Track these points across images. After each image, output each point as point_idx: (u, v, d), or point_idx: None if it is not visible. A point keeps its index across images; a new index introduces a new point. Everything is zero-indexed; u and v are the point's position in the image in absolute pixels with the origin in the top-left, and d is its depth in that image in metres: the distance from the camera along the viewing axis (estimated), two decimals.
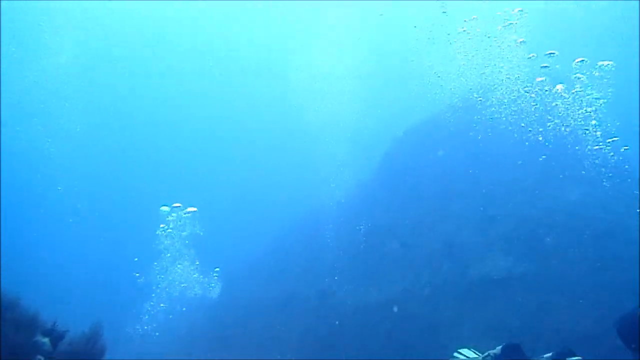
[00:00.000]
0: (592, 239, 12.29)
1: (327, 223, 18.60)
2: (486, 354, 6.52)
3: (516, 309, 12.37)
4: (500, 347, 6.43)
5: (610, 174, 13.10)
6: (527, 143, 15.43)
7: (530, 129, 15.08)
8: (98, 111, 36.30)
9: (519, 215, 14.17)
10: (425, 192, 16.65)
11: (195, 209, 17.67)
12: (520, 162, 15.30)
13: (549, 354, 6.52)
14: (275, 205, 30.65)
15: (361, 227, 16.85)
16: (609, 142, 12.74)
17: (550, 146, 14.53)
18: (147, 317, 18.34)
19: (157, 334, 18.16)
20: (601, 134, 13.21)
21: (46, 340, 4.02)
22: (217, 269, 19.38)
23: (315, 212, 20.56)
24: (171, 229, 17.75)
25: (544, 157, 15.08)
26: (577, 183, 13.89)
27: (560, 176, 14.61)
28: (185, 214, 17.61)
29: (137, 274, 18.67)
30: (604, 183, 13.24)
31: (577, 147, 14.66)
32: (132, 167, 39.73)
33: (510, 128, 16.60)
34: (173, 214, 17.56)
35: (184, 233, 17.85)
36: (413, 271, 14.39)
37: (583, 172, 13.42)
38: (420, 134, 19.58)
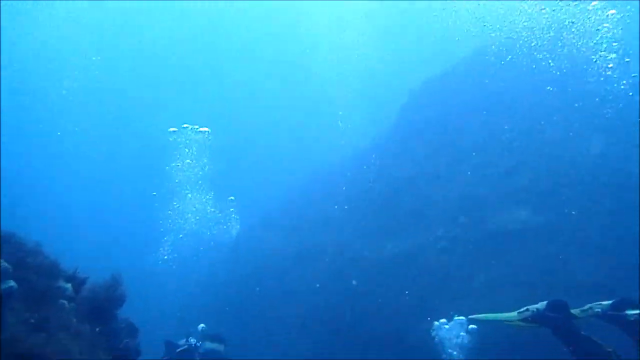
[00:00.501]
0: (611, 190, 12.11)
1: (342, 176, 18.59)
2: (524, 308, 6.44)
3: (532, 260, 12.39)
4: (544, 302, 6.33)
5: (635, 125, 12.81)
6: (549, 88, 15.13)
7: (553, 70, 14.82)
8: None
9: (537, 168, 13.99)
10: (442, 145, 16.45)
11: (207, 129, 17.56)
12: (541, 111, 15.00)
13: (608, 302, 6.51)
14: (290, 159, 30.64)
15: (377, 180, 16.81)
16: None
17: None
18: (166, 247, 18.67)
19: (174, 266, 18.55)
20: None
21: (68, 285, 4.11)
22: (232, 198, 19.46)
23: (331, 165, 20.54)
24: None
25: (550, 88, 14.85)
26: (601, 133, 13.57)
27: (582, 127, 14.31)
28: (196, 133, 17.48)
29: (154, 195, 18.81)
30: (627, 134, 12.98)
31: (597, 99, 14.37)
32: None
33: (531, 77, 16.26)
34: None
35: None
36: (428, 225, 14.39)
37: (605, 121, 13.16)
38: (438, 86, 19.20)
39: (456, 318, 11.08)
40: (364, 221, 15.64)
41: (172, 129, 18.04)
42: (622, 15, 14.13)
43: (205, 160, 19.09)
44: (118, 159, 37.37)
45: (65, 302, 4.00)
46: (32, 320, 3.65)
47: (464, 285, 12.81)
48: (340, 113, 27.26)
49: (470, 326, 11.19)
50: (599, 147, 13.42)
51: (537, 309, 6.39)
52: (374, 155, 18.37)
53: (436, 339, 11.23)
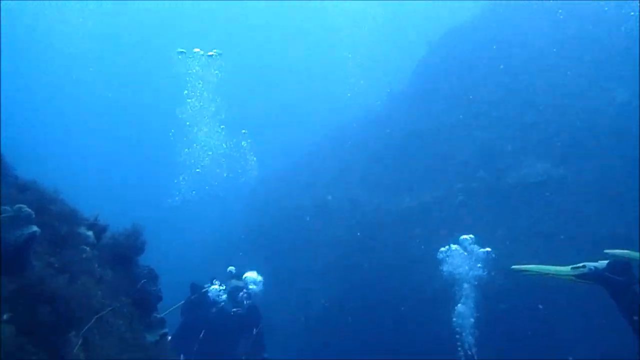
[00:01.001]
0: (634, 140, 11.83)
1: (360, 130, 18.47)
2: (581, 264, 6.13)
3: (551, 213, 12.30)
4: (604, 262, 6.06)
5: None
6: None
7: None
8: None
9: (559, 120, 13.70)
10: (461, 99, 16.15)
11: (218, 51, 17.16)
12: (564, 62, 14.57)
13: (604, 262, 6.31)
14: (308, 115, 30.44)
15: (395, 135, 16.66)
16: None
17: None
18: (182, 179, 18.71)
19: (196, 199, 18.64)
20: None
21: (90, 233, 4.19)
22: (244, 131, 19.30)
23: (348, 120, 20.36)
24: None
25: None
26: (626, 84, 13.15)
27: (606, 78, 13.89)
28: (207, 56, 17.10)
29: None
30: None
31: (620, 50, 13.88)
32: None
33: (554, 28, 15.72)
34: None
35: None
36: (447, 178, 14.29)
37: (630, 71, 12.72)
38: (457, 38, 18.69)
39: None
40: (383, 176, 15.60)
41: (180, 50, 17.47)
42: None
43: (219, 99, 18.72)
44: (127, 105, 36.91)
45: (87, 248, 4.09)
46: (56, 265, 3.75)
47: (483, 239, 12.80)
48: (359, 68, 26.88)
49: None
50: (624, 96, 13.04)
51: (596, 267, 6.06)
52: (392, 109, 18.18)
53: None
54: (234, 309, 8.51)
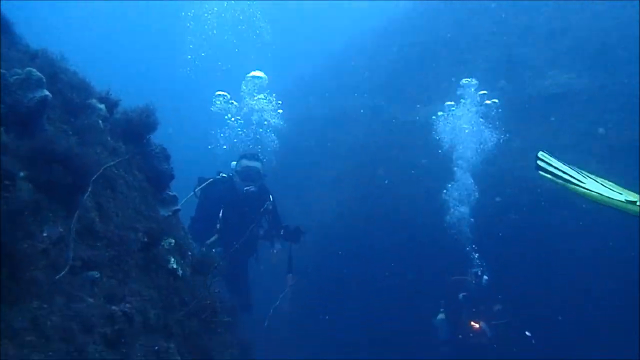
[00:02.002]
0: None
1: (379, 39, 17.92)
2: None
3: (571, 125, 12.08)
4: None
5: None
6: None
7: None
8: None
9: (585, 28, 13.11)
10: (482, 7, 15.47)
11: None
12: None
13: None
14: (327, 21, 29.47)
15: (412, 44, 16.17)
16: None
17: None
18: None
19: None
20: None
21: (102, 106, 4.21)
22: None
23: (367, 29, 19.71)
24: None
25: None
26: None
27: None
28: None
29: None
30: None
31: None
32: None
33: None
34: None
35: None
36: (464, 88, 13.97)
37: None
38: None
39: None
40: (398, 85, 15.30)
41: None
42: None
43: None
44: None
45: (100, 120, 4.12)
46: (70, 132, 3.80)
47: (498, 149, 12.72)
48: None
49: None
50: None
51: None
52: (412, 18, 17.50)
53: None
54: (247, 187, 8.51)
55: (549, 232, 11.21)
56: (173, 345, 4.12)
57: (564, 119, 12.20)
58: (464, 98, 13.16)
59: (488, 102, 12.92)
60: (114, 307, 3.45)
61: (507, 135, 12.47)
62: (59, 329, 2.96)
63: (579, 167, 10.70)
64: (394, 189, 13.13)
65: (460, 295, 10.25)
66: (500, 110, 12.77)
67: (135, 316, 3.58)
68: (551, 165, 7.02)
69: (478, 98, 13.05)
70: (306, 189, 14.87)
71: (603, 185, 6.53)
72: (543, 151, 7.07)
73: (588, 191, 6.29)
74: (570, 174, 6.81)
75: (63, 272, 2.94)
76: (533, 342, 9.83)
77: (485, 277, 10.14)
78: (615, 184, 6.77)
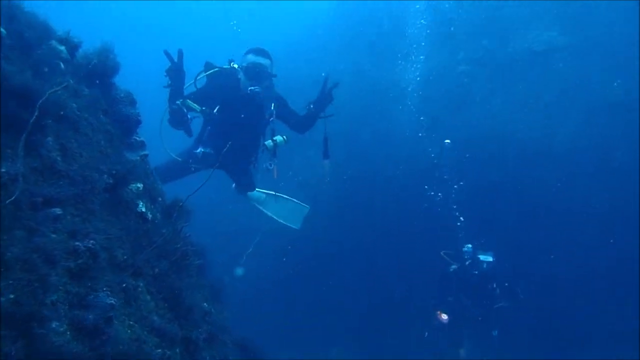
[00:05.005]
0: None
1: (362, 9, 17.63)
2: None
3: (554, 81, 12.09)
4: None
5: None
6: None
7: None
8: None
9: None
10: None
11: None
12: None
13: None
14: None
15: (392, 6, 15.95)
16: None
17: None
18: None
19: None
20: None
21: (62, 47, 4.15)
22: None
23: None
24: None
25: None
26: None
27: None
28: None
29: None
30: None
31: None
32: None
33: None
34: None
35: None
36: (449, 48, 13.91)
37: None
38: None
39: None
40: (380, 48, 15.16)
41: None
42: None
43: None
44: None
45: (60, 62, 4.08)
46: (29, 73, 3.76)
47: (481, 108, 12.76)
48: None
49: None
50: None
51: None
52: None
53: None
54: (251, 87, 7.40)
55: (532, 186, 11.38)
56: (142, 284, 4.17)
57: (546, 76, 12.21)
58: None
59: None
60: (77, 243, 3.47)
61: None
62: (20, 260, 2.98)
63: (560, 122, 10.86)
64: (380, 154, 13.23)
65: (451, 268, 10.35)
66: None
67: (100, 252, 3.60)
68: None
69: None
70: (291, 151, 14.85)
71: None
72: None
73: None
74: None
75: (12, 198, 2.93)
76: (521, 296, 10.09)
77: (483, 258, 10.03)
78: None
